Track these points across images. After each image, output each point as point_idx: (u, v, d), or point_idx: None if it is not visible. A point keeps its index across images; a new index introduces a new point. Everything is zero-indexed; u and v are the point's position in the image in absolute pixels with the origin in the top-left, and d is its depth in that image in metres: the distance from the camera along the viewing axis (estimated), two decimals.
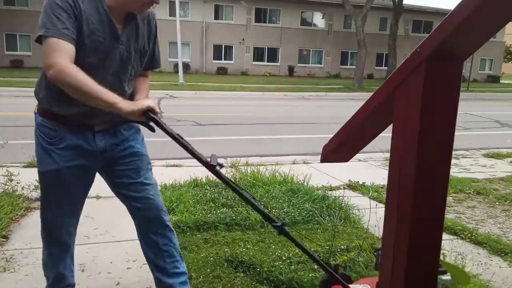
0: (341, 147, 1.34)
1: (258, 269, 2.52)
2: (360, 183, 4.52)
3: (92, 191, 2.06)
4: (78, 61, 1.60)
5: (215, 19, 31.05)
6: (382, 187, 4.37)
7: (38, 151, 1.83)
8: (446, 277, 1.51)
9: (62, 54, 1.56)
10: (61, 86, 1.59)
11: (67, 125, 1.78)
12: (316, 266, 2.57)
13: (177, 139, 1.66)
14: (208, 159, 1.66)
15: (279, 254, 2.73)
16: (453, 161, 4.69)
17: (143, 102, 1.63)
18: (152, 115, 1.61)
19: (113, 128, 1.87)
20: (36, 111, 1.86)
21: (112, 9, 1.68)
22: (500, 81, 36.54)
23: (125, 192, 1.95)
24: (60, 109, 1.76)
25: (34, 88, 1.83)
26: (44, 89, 1.77)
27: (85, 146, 1.81)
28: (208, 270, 2.51)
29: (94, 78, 1.58)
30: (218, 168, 1.65)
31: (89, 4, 1.64)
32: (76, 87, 1.56)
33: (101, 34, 1.67)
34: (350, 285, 1.76)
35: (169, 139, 1.94)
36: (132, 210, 1.99)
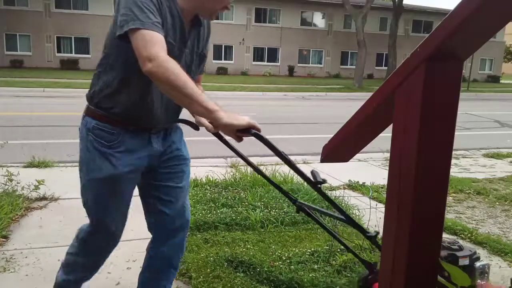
0: (341, 147, 1.34)
1: (258, 269, 2.52)
2: (360, 183, 4.52)
3: None
4: None
5: (215, 19, 30.98)
6: (382, 187, 4.37)
7: (90, 156, 1.66)
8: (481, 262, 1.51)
9: (161, 47, 1.42)
10: (158, 81, 1.42)
11: (125, 126, 1.66)
12: (316, 266, 2.57)
13: (283, 156, 1.56)
14: (310, 177, 1.62)
15: (279, 254, 2.73)
16: (453, 161, 4.68)
17: (243, 118, 1.47)
18: (255, 131, 1.50)
19: (166, 130, 1.80)
20: (86, 113, 1.70)
21: (183, 11, 1.61)
22: (500, 81, 36.56)
23: (161, 196, 1.82)
24: (124, 108, 1.63)
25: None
26: (107, 86, 1.62)
27: (143, 149, 1.71)
28: (208, 270, 2.51)
29: None
30: (321, 184, 1.61)
31: (165, 3, 1.55)
32: (176, 85, 1.39)
33: (172, 36, 1.58)
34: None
35: None
36: (159, 216, 1.85)
